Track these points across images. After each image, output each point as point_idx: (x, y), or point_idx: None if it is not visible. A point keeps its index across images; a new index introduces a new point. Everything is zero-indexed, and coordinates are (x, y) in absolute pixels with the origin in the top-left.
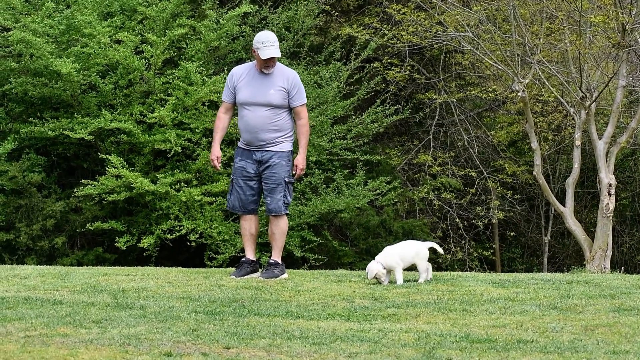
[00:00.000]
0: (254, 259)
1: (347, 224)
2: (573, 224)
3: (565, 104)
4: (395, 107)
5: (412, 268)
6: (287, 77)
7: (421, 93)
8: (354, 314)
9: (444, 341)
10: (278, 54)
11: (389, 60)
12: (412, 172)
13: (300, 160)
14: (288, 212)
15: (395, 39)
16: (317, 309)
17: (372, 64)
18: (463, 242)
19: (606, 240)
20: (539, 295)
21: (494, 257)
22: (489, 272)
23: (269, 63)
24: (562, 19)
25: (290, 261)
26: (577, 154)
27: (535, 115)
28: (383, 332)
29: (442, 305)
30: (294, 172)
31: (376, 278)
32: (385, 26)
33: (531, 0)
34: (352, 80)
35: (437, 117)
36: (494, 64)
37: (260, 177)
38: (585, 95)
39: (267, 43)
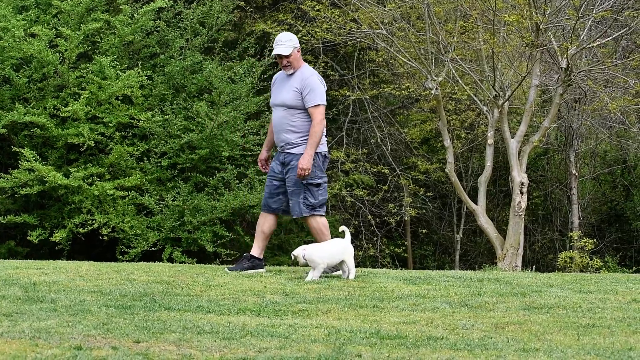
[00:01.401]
0: (257, 255)
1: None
2: (485, 222)
3: (479, 102)
4: None
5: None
6: (302, 78)
7: (335, 90)
8: (265, 309)
9: (354, 337)
10: (283, 52)
11: (302, 57)
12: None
13: (302, 160)
14: (318, 212)
15: (310, 36)
16: (227, 304)
17: None
18: (375, 238)
19: (518, 239)
20: (449, 293)
21: (405, 254)
22: (401, 269)
23: (281, 62)
24: (476, 17)
25: (202, 256)
26: (489, 153)
27: (448, 114)
28: (293, 328)
29: (352, 301)
30: (299, 174)
31: (295, 257)
32: (299, 22)
33: None
34: (265, 76)
35: (350, 113)
36: (407, 61)
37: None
38: (499, 94)
39: (277, 42)
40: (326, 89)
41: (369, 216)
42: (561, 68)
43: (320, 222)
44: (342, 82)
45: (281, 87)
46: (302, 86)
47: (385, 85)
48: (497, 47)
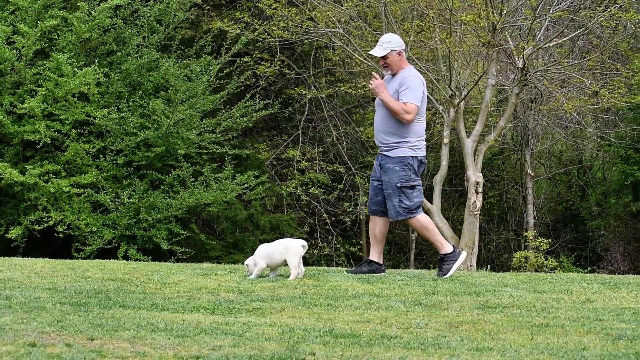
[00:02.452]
0: (376, 260)
1: (214, 217)
2: (440, 221)
3: (435, 101)
4: (265, 101)
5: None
6: (402, 77)
7: (291, 88)
8: (219, 307)
9: (308, 335)
10: (376, 54)
11: (259, 55)
12: (281, 167)
13: (374, 82)
14: (415, 214)
15: (266, 34)
16: (182, 301)
17: (242, 59)
18: (330, 237)
19: (472, 238)
20: (404, 292)
21: (361, 253)
22: None
23: (380, 62)
24: (432, 17)
25: (157, 254)
26: (445, 152)
27: None
28: (247, 326)
29: (307, 299)
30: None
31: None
32: (256, 21)
33: None
34: (222, 74)
35: (306, 112)
36: (364, 60)
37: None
38: (455, 94)
39: (378, 43)
40: (423, 94)
41: (325, 215)
42: (517, 68)
43: (421, 222)
44: (299, 81)
45: (388, 89)
46: (400, 85)
47: (341, 84)
48: (453, 46)
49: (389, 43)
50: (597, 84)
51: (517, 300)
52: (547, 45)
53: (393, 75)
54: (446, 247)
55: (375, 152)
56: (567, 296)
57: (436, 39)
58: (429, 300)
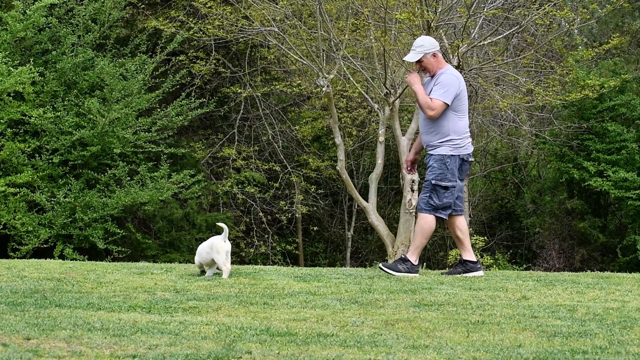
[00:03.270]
0: (467, 258)
1: (150, 216)
2: (376, 220)
3: (370, 100)
4: (201, 100)
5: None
6: (437, 77)
7: (226, 87)
8: (155, 306)
9: (244, 334)
10: (409, 59)
11: (194, 54)
12: (217, 166)
13: (410, 75)
14: (438, 214)
15: (201, 33)
16: (118, 300)
17: (177, 57)
18: (266, 236)
19: (408, 236)
20: (340, 290)
21: (297, 252)
22: (292, 266)
23: (416, 67)
24: (367, 15)
25: (94, 253)
26: (380, 150)
27: (339, 111)
28: (184, 325)
29: (243, 298)
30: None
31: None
32: (191, 19)
33: None
34: (157, 73)
35: (242, 111)
36: (299, 59)
37: None
38: (390, 92)
39: (411, 48)
40: (459, 92)
41: (261, 213)
42: (452, 66)
43: (429, 224)
44: (234, 79)
45: (426, 90)
46: (436, 82)
47: (276, 83)
48: (388, 44)
49: (422, 47)
50: (532, 82)
51: (453, 298)
52: (481, 43)
53: (432, 76)
54: (415, 258)
55: (310, 150)
56: (502, 293)
57: (371, 37)
58: (365, 299)
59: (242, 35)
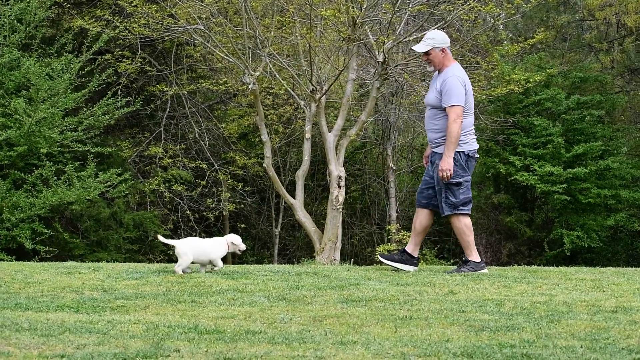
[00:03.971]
0: (410, 251)
1: (78, 216)
2: (303, 216)
3: (296, 96)
4: (127, 99)
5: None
6: (444, 78)
7: (152, 85)
8: (83, 305)
9: (172, 332)
10: (417, 49)
11: (120, 53)
12: (143, 164)
13: (441, 163)
14: (461, 211)
15: (127, 32)
16: (46, 300)
17: (103, 56)
18: (194, 234)
19: (336, 232)
20: (268, 287)
21: None
22: None
23: (423, 58)
24: (293, 12)
25: (21, 253)
26: (307, 147)
27: (266, 108)
28: (112, 324)
29: (171, 296)
30: (441, 176)
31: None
32: (117, 18)
33: None
34: (83, 72)
35: (168, 109)
36: (225, 56)
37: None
38: (316, 88)
39: (422, 38)
40: (467, 88)
41: (188, 211)
42: (378, 62)
43: (462, 222)
44: (160, 78)
45: (431, 86)
46: (442, 86)
47: (203, 81)
48: (314, 41)
49: (433, 40)
50: None
51: (381, 294)
52: (407, 39)
53: (439, 72)
54: (475, 256)
55: (237, 147)
56: (430, 288)
57: (297, 34)
58: (292, 295)
59: (167, 34)
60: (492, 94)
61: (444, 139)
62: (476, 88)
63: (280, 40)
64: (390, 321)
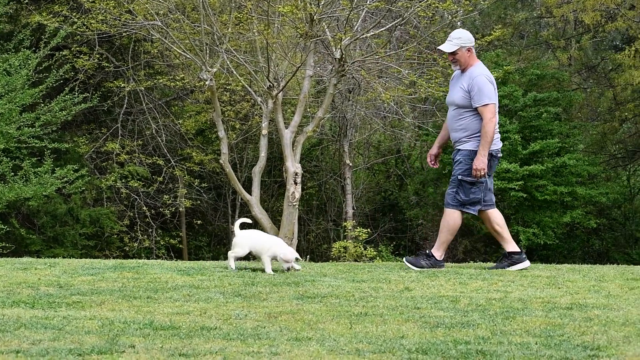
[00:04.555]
0: (511, 249)
1: (34, 212)
2: (259, 213)
3: (253, 93)
4: (84, 95)
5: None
6: (470, 77)
7: (110, 81)
8: (39, 301)
9: (127, 328)
10: (444, 49)
11: (78, 49)
12: (100, 160)
13: (475, 161)
14: (465, 209)
15: (85, 27)
16: (2, 296)
17: (61, 52)
18: (150, 230)
19: (292, 229)
20: (223, 283)
21: (181, 246)
22: (176, 260)
23: (449, 58)
24: (250, 8)
25: None
26: (263, 143)
27: (223, 104)
28: (67, 320)
29: (127, 292)
30: (475, 175)
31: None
32: (74, 14)
33: None
34: (41, 68)
35: (125, 105)
36: (182, 52)
37: None
38: (273, 85)
39: (448, 38)
40: (495, 87)
41: (144, 208)
42: (335, 58)
43: (454, 219)
44: (118, 74)
45: (454, 86)
46: (470, 86)
47: (160, 77)
48: (271, 38)
49: (459, 39)
50: (415, 74)
51: (336, 290)
52: (364, 36)
53: (462, 71)
54: (440, 253)
55: (193, 144)
56: (385, 285)
57: (254, 30)
58: (248, 291)
59: (125, 30)
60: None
61: (470, 137)
62: (433, 85)
63: (238, 36)
64: (346, 317)
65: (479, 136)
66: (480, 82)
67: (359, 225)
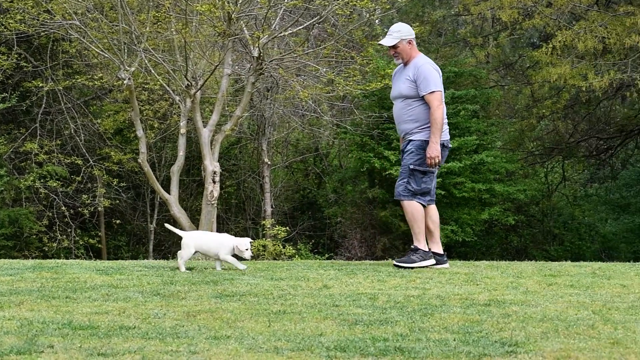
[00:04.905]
0: (435, 250)
1: None
2: (178, 212)
3: (171, 92)
4: (2, 95)
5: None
6: (415, 66)
7: (28, 81)
8: None
9: (46, 328)
10: (386, 43)
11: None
12: (19, 160)
13: (428, 150)
14: (418, 199)
15: (3, 27)
16: None
17: None
18: (69, 230)
19: (210, 228)
20: (142, 282)
21: (100, 245)
22: (95, 260)
23: (389, 52)
24: (168, 7)
25: None
26: (182, 142)
27: (141, 104)
28: None
29: (45, 292)
30: (429, 163)
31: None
32: None
33: None
34: None
35: (44, 105)
36: (100, 52)
37: None
38: (191, 84)
39: (388, 32)
40: (441, 76)
41: (63, 207)
42: (253, 57)
43: (415, 207)
44: (36, 74)
45: (398, 79)
46: (415, 75)
47: (78, 76)
48: (189, 36)
49: (399, 32)
50: (333, 72)
51: (255, 288)
52: (282, 34)
53: (405, 64)
54: (422, 244)
55: (112, 143)
56: (304, 283)
57: (172, 29)
58: (167, 290)
59: (43, 29)
60: (367, 88)
61: (422, 128)
62: (351, 83)
63: (156, 35)
64: (264, 316)
65: (429, 127)
66: (425, 70)
67: (277, 224)
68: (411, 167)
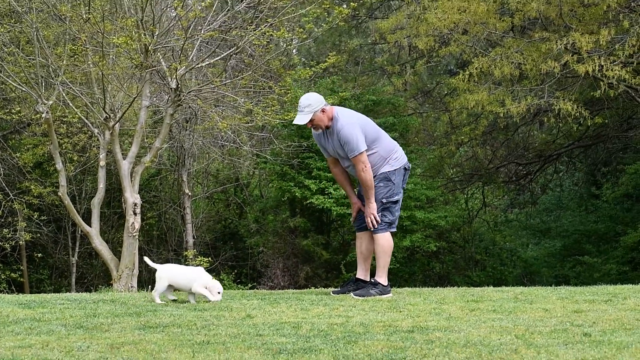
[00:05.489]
0: (362, 277)
1: None
2: (99, 244)
3: (90, 125)
4: None
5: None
6: (337, 133)
7: None
8: None
9: None
10: (301, 122)
11: None
12: None
13: (367, 211)
14: (389, 230)
15: None
16: None
17: None
18: None
19: (132, 260)
20: (65, 315)
21: (22, 279)
22: (17, 294)
23: (309, 126)
24: (85, 40)
25: None
26: (102, 174)
27: (60, 137)
28: None
29: None
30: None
31: None
32: None
33: (54, 22)
34: None
35: None
36: (18, 86)
37: None
38: (109, 116)
39: (299, 108)
40: (363, 130)
41: None
42: (171, 88)
43: (389, 241)
44: None
45: (327, 141)
46: (341, 141)
47: None
48: (106, 69)
49: (309, 106)
50: (251, 102)
51: (178, 319)
52: (199, 65)
53: (326, 128)
54: (384, 278)
55: (32, 177)
56: (227, 313)
57: (89, 62)
58: (90, 323)
59: None
60: (286, 118)
61: (381, 165)
62: (269, 113)
63: (73, 68)
64: (188, 346)
65: (386, 159)
66: (344, 134)
67: (200, 254)
68: (384, 200)
